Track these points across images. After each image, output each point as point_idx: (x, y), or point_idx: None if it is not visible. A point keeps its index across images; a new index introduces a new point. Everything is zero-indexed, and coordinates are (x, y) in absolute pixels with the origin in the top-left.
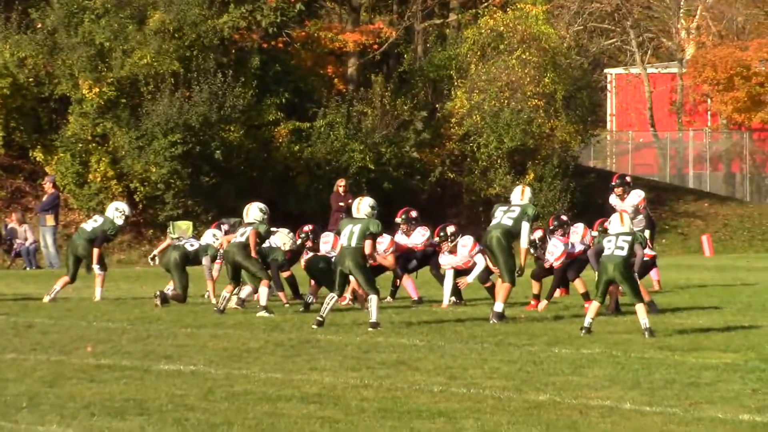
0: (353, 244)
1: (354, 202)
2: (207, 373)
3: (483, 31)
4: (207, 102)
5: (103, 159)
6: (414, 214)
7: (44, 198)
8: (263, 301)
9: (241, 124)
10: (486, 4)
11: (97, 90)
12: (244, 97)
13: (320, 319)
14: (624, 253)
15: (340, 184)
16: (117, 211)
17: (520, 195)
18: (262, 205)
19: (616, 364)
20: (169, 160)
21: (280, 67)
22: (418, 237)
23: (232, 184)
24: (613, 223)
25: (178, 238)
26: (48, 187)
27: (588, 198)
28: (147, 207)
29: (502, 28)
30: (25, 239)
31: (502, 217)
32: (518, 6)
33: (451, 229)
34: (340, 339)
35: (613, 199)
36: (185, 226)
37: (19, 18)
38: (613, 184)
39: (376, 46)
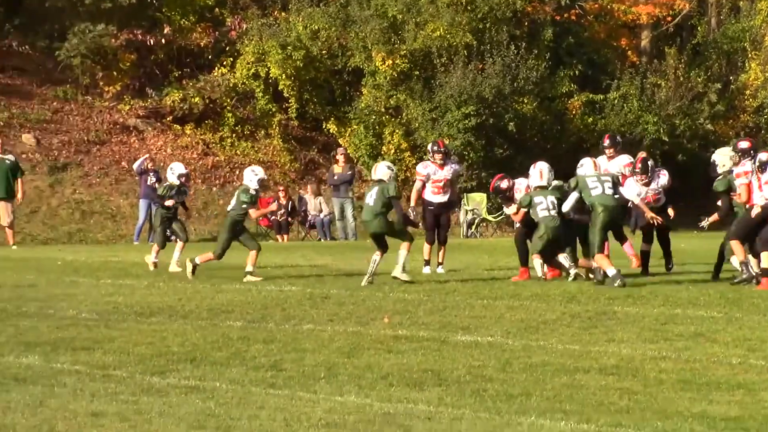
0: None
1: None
2: (504, 345)
3: None
4: (500, 74)
5: (397, 131)
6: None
7: (338, 170)
8: (400, 261)
9: (534, 96)
10: None
11: (390, 62)
12: (537, 69)
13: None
14: None
15: None
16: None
17: None
18: (389, 163)
19: None
20: (463, 132)
21: (573, 39)
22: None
23: (525, 156)
24: None
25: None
26: (341, 159)
27: None
28: None
29: None
30: (320, 211)
31: None
32: None
33: None
34: (637, 311)
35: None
36: (479, 198)
37: None
38: (605, 144)
39: (669, 18)
